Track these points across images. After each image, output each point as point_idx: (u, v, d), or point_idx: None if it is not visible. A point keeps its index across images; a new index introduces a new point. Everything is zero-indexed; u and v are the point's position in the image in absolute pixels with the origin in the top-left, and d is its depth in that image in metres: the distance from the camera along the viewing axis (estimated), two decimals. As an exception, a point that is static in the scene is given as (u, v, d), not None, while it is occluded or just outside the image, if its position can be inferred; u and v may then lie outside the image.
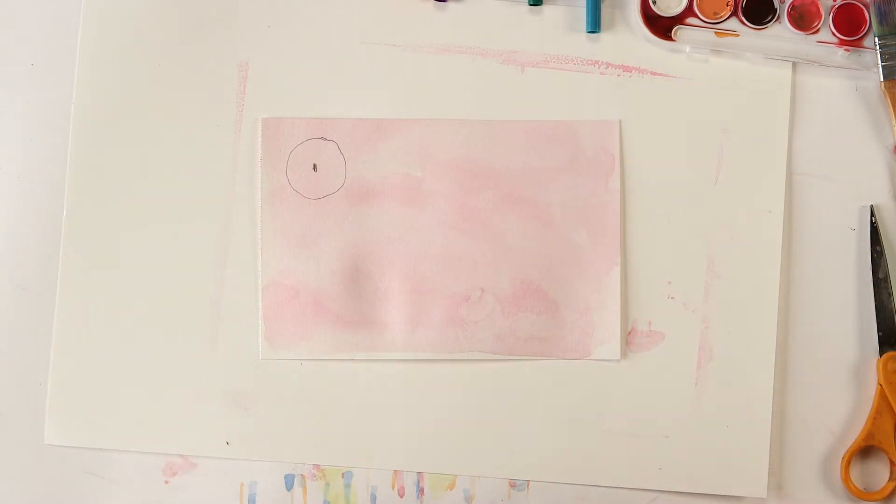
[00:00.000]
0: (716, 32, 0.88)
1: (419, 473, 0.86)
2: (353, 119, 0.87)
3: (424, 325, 0.86)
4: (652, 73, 0.88)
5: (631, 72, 0.88)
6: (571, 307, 0.86)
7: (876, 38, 0.87)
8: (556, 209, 0.87)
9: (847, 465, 0.85)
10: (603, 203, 0.87)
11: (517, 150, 0.87)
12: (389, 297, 0.86)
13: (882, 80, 0.87)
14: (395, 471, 0.86)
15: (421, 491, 0.86)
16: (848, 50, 0.88)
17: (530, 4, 0.88)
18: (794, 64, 0.88)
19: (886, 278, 0.86)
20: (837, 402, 0.87)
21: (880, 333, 0.86)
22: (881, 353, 0.86)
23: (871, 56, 0.88)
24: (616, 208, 0.87)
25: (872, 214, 0.87)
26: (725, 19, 0.88)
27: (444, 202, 0.87)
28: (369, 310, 0.86)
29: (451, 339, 0.86)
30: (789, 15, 0.88)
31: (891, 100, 0.87)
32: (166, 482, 0.86)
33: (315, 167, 0.87)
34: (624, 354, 0.86)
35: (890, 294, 0.86)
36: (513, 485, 0.86)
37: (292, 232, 0.86)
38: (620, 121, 0.88)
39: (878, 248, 0.87)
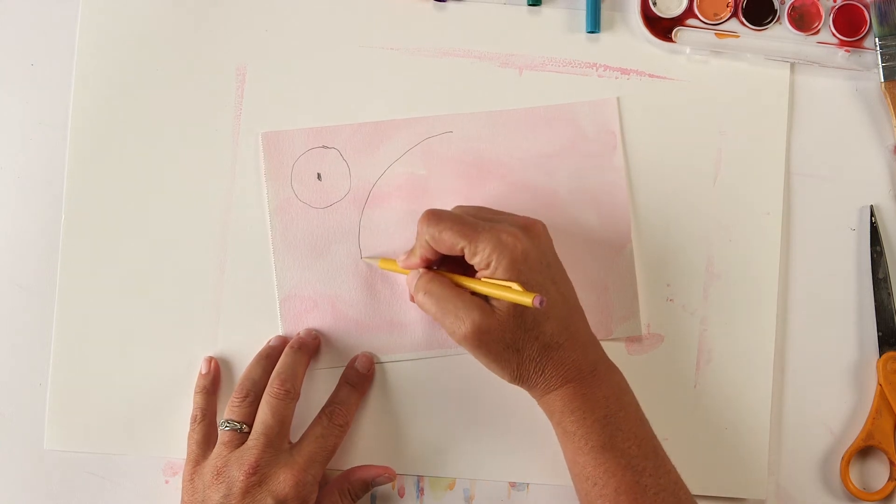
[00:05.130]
0: (716, 34, 0.88)
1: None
2: (351, 125, 0.87)
3: None
4: (650, 76, 0.88)
5: (629, 74, 0.88)
6: (588, 289, 0.85)
7: (876, 39, 0.87)
8: (564, 193, 0.87)
9: (847, 465, 0.85)
10: (609, 181, 0.87)
11: (519, 139, 0.87)
12: (406, 297, 0.86)
13: (882, 80, 0.87)
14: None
15: (421, 491, 0.86)
16: (848, 51, 0.88)
17: (529, 5, 0.88)
18: (793, 65, 0.88)
19: (886, 278, 0.86)
20: (837, 402, 0.87)
21: (880, 333, 0.86)
22: (881, 353, 0.86)
23: (872, 56, 0.88)
24: (623, 185, 0.87)
25: (872, 214, 0.87)
26: (725, 20, 0.88)
27: (451, 197, 0.87)
28: (388, 312, 0.86)
29: None
30: (789, 16, 0.88)
31: (891, 100, 0.87)
32: (166, 482, 0.86)
33: (319, 176, 0.87)
34: (626, 355, 0.86)
35: (890, 294, 0.86)
36: (513, 485, 0.86)
37: (304, 243, 0.87)
38: (618, 98, 0.88)
39: (878, 248, 0.87)
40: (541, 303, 0.72)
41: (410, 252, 0.80)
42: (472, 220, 0.77)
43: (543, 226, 0.79)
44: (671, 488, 0.77)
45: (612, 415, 0.77)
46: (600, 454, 0.76)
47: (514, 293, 0.74)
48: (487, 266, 0.76)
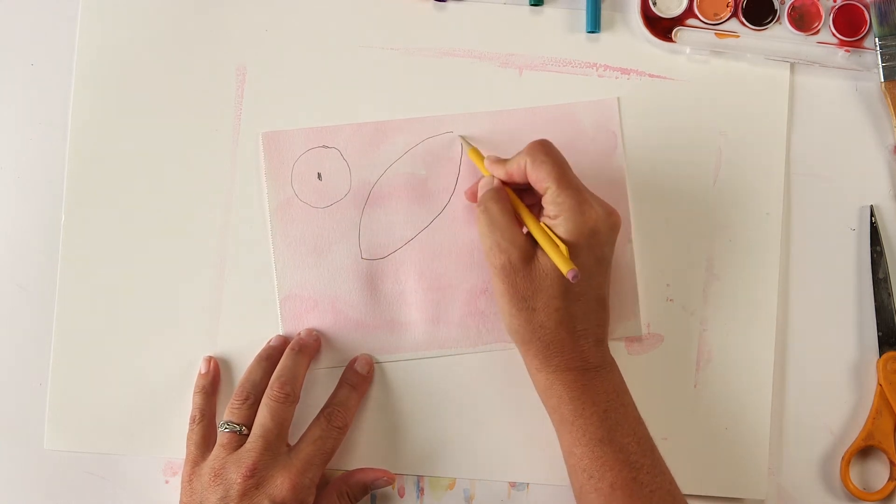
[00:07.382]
0: (716, 34, 0.88)
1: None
2: (351, 124, 0.87)
3: (445, 322, 0.86)
4: (650, 76, 0.88)
5: (629, 74, 0.88)
6: None
7: (876, 39, 0.87)
8: None
9: (847, 465, 0.85)
10: (609, 181, 0.87)
11: (519, 139, 0.87)
12: (407, 298, 0.86)
13: (882, 80, 0.87)
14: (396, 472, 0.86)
15: (421, 491, 0.86)
16: (848, 51, 0.88)
17: (531, 5, 0.88)
18: (793, 65, 0.88)
19: (886, 278, 0.86)
20: (837, 402, 0.87)
21: (880, 333, 0.86)
22: (881, 353, 0.86)
23: (872, 56, 0.88)
24: (623, 184, 0.87)
25: (872, 214, 0.87)
26: (725, 20, 0.88)
27: (450, 197, 0.87)
28: (389, 312, 0.87)
29: (472, 333, 0.86)
30: (789, 16, 0.88)
31: (891, 100, 0.87)
32: (166, 482, 0.86)
33: (319, 176, 0.87)
34: (624, 356, 0.86)
35: (890, 294, 0.86)
36: (513, 485, 0.86)
37: (304, 243, 0.87)
38: (619, 98, 0.88)
39: (878, 248, 0.87)
40: (574, 277, 0.72)
41: (502, 161, 0.81)
42: (572, 175, 0.78)
43: (620, 220, 0.80)
44: (667, 487, 0.77)
45: (612, 409, 0.77)
46: (598, 447, 0.77)
47: (556, 252, 0.75)
48: (556, 217, 0.77)
